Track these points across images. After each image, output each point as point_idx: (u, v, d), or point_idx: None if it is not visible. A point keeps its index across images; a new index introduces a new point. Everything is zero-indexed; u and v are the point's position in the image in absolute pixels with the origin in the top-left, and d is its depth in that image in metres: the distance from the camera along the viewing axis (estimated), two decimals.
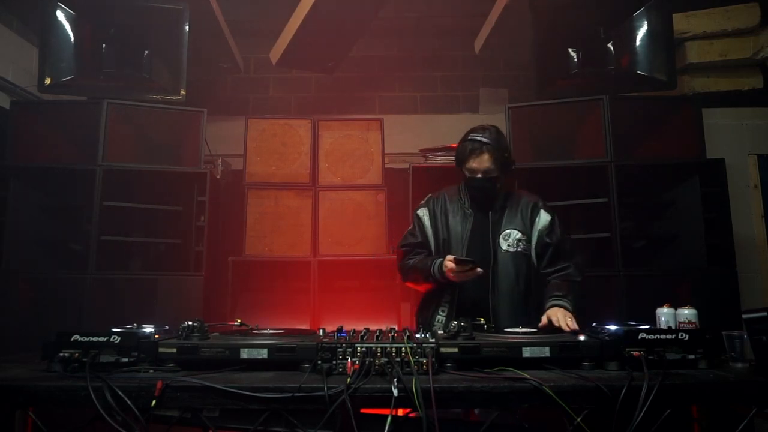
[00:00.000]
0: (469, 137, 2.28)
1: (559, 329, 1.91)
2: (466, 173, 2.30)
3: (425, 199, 2.47)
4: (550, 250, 2.28)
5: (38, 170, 3.05)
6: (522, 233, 2.28)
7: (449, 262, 2.10)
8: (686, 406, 1.84)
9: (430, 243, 2.37)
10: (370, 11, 3.65)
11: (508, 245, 2.27)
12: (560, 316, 1.96)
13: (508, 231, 2.28)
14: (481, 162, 2.24)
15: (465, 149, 2.27)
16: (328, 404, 1.36)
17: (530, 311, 2.23)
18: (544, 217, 2.31)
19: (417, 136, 4.08)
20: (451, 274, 2.11)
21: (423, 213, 2.42)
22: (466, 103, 4.40)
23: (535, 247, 2.30)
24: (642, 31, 3.16)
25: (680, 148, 3.14)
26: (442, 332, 1.70)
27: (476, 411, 1.90)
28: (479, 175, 2.26)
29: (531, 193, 2.44)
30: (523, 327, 1.96)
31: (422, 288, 2.37)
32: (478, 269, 2.07)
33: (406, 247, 2.40)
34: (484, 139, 2.23)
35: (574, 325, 1.90)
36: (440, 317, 2.27)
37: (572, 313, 2.03)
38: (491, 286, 2.23)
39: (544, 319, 2.03)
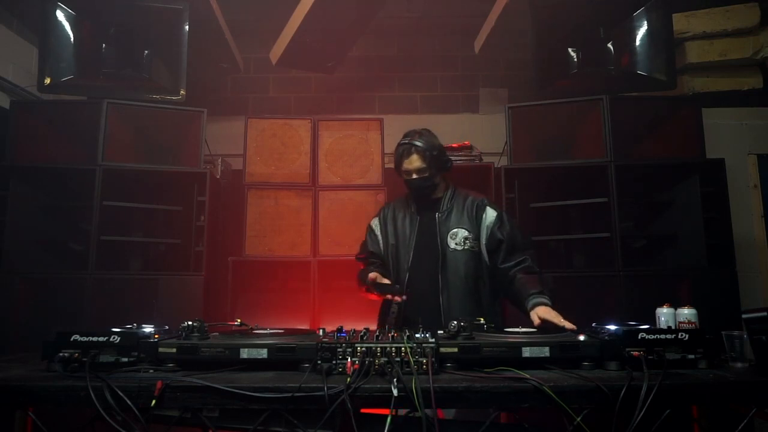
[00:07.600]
0: (400, 142, 2.37)
1: (558, 327, 1.93)
2: (404, 176, 2.39)
3: (379, 210, 2.58)
4: (504, 245, 2.31)
5: (38, 170, 3.05)
6: (469, 231, 2.34)
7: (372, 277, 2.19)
8: (686, 406, 1.83)
9: (381, 250, 2.47)
10: (370, 11, 3.65)
11: (456, 244, 2.32)
12: (556, 315, 2.00)
13: (455, 230, 2.34)
14: (411, 162, 2.32)
15: (396, 154, 2.37)
16: (328, 404, 1.35)
17: (485, 309, 2.28)
18: (490, 214, 2.36)
19: None
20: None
21: (375, 223, 2.54)
22: (466, 103, 4.39)
23: (486, 244, 2.34)
24: (642, 31, 3.16)
25: (680, 148, 3.14)
26: (442, 332, 1.70)
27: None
28: (414, 176, 2.34)
29: (476, 192, 2.49)
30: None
31: (376, 297, 2.42)
32: (396, 298, 2.15)
33: (361, 258, 2.49)
34: (412, 142, 2.32)
35: (571, 324, 1.93)
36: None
37: (554, 308, 2.08)
38: (441, 286, 2.28)
39: (536, 320, 2.04)
